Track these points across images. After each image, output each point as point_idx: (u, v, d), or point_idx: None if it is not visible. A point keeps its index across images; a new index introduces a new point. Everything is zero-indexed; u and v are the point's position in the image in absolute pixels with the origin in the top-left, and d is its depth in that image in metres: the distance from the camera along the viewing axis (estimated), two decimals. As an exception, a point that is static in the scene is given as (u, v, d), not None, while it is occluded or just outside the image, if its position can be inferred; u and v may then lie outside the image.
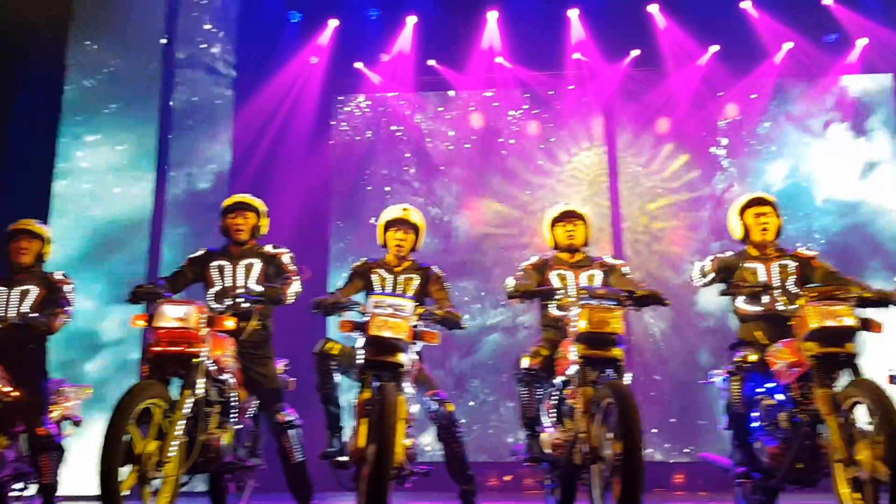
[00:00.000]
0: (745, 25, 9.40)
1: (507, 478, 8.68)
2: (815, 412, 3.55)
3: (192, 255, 4.72)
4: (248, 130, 9.17)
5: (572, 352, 3.82)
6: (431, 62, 9.70)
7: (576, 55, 9.64)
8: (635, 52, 9.60)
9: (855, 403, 3.39)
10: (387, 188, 9.73)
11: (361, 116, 9.96)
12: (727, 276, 4.36)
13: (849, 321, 3.54)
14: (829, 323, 3.54)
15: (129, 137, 8.45)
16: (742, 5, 9.39)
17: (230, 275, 4.59)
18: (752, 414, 4.00)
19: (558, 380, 4.10)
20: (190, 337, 3.76)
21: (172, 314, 3.80)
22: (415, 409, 4.23)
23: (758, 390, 4.01)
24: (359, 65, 9.77)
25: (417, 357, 4.36)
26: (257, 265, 4.61)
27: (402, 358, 3.86)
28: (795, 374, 3.73)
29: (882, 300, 3.86)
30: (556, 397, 4.13)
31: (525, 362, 4.30)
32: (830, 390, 3.49)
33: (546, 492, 4.45)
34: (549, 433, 4.14)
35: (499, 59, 9.66)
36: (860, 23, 9.28)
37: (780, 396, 3.87)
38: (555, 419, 4.15)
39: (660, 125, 9.70)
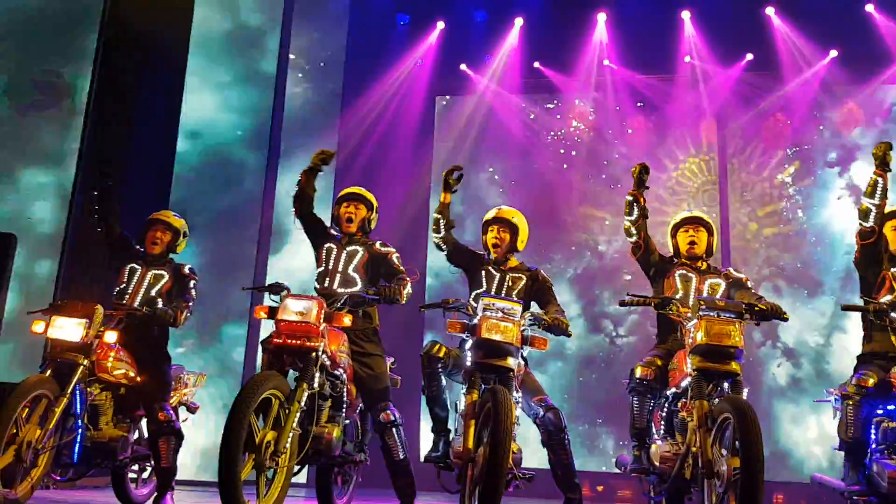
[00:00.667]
0: (868, 30, 8.96)
1: (600, 488, 8.57)
2: None
3: (318, 222, 4.88)
4: (355, 132, 9.33)
5: (688, 364, 3.73)
6: (537, 64, 9.66)
7: (688, 58, 9.42)
8: (749, 56, 9.29)
9: None
10: (488, 191, 9.72)
11: (466, 118, 9.97)
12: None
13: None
14: None
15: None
16: (866, 8, 8.94)
17: (334, 258, 4.70)
18: (871, 436, 3.88)
19: (670, 391, 4.01)
20: (310, 331, 3.85)
21: (295, 308, 3.92)
22: (518, 413, 4.21)
23: (878, 412, 3.88)
24: (464, 66, 9.82)
25: (524, 362, 4.34)
26: (360, 254, 4.70)
27: (511, 362, 3.85)
28: None
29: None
30: (668, 409, 4.04)
31: (638, 372, 4.21)
32: None
33: None
34: (659, 445, 4.05)
35: (606, 62, 9.53)
36: None
37: None
38: (665, 431, 4.06)
39: (773, 131, 9.35)
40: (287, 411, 3.67)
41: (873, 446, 3.87)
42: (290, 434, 3.67)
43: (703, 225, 4.57)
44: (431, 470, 4.28)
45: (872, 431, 3.89)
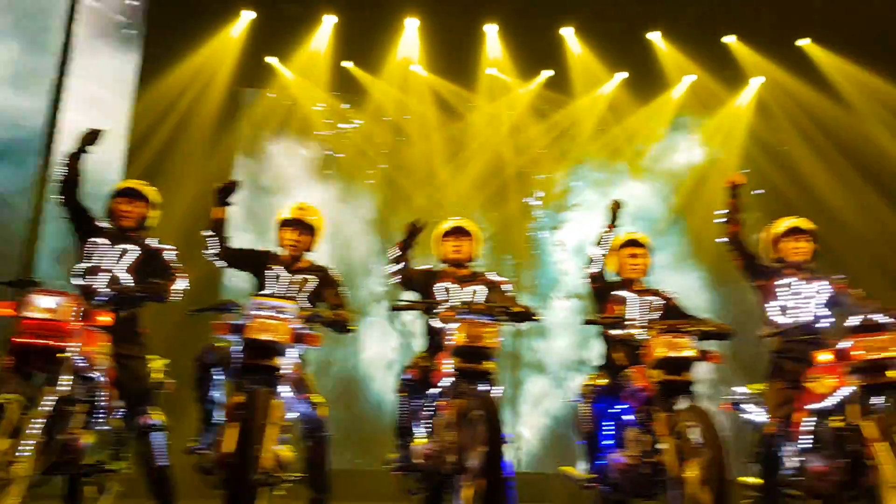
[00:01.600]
0: (651, 55, 9.79)
1: (375, 485, 8.65)
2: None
3: (85, 211, 4.51)
4: (148, 115, 8.82)
5: (447, 364, 3.87)
6: (346, 63, 9.64)
7: (490, 70, 9.78)
8: (548, 73, 9.81)
9: (689, 427, 3.62)
10: (286, 186, 9.52)
11: (269, 112, 9.73)
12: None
13: (688, 353, 3.79)
14: (672, 354, 3.79)
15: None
16: (648, 36, 9.71)
17: (101, 254, 4.43)
18: (604, 432, 4.28)
19: (434, 390, 4.15)
20: (59, 329, 3.60)
21: (42, 304, 3.65)
22: (293, 414, 4.17)
23: (609, 411, 4.30)
24: (271, 59, 9.60)
25: (300, 360, 4.31)
26: (134, 252, 4.47)
27: (279, 361, 3.80)
28: (642, 398, 4.01)
29: (721, 334, 4.13)
30: (431, 408, 4.18)
31: (405, 372, 4.33)
32: (670, 413, 3.73)
33: (413, 500, 4.49)
34: (422, 443, 4.17)
35: (414, 67, 9.68)
36: (757, 62, 9.79)
37: (628, 417, 4.15)
38: (429, 429, 4.19)
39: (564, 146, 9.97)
40: (26, 417, 3.40)
41: (606, 442, 4.29)
42: (30, 442, 3.40)
43: (465, 233, 4.75)
44: (194, 476, 4.14)
45: (604, 427, 4.30)
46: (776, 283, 4.49)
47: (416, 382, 4.29)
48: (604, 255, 4.70)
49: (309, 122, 9.75)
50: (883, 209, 9.25)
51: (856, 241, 9.00)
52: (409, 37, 9.58)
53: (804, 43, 9.69)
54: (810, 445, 3.98)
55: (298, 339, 3.91)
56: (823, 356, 3.89)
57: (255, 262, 4.69)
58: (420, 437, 4.25)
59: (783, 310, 4.44)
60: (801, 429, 4.04)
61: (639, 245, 4.76)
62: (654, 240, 4.96)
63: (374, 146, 9.77)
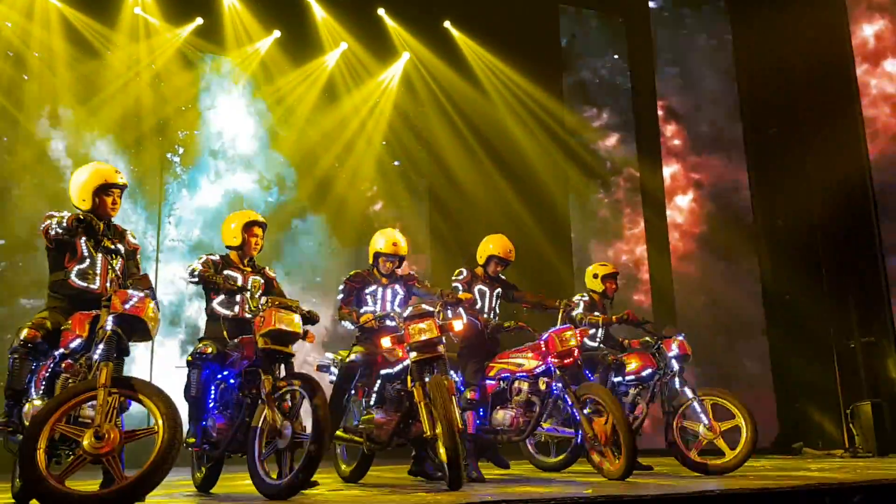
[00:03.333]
0: (308, 16, 9.89)
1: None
2: (256, 394, 4.07)
3: None
4: None
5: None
6: None
7: (137, 9, 9.14)
8: (199, 21, 9.44)
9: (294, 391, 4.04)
10: None
11: None
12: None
13: (292, 328, 4.11)
14: (281, 327, 4.07)
15: None
16: (306, -1, 9.79)
17: None
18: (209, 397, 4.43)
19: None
20: None
21: None
22: None
23: (217, 376, 4.45)
24: None
25: None
26: None
27: None
28: (247, 365, 4.26)
29: (312, 318, 4.46)
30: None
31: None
32: (272, 377, 3.98)
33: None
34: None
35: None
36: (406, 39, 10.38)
37: (233, 381, 4.40)
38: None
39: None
40: None
41: (211, 405, 4.40)
42: None
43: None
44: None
45: (212, 391, 4.43)
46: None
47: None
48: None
49: None
50: (501, 182, 10.39)
51: (475, 207, 10.08)
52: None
53: (447, 24, 10.49)
54: (374, 403, 4.86)
55: None
56: (386, 340, 4.62)
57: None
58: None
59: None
60: (373, 389, 4.89)
61: (258, 225, 4.84)
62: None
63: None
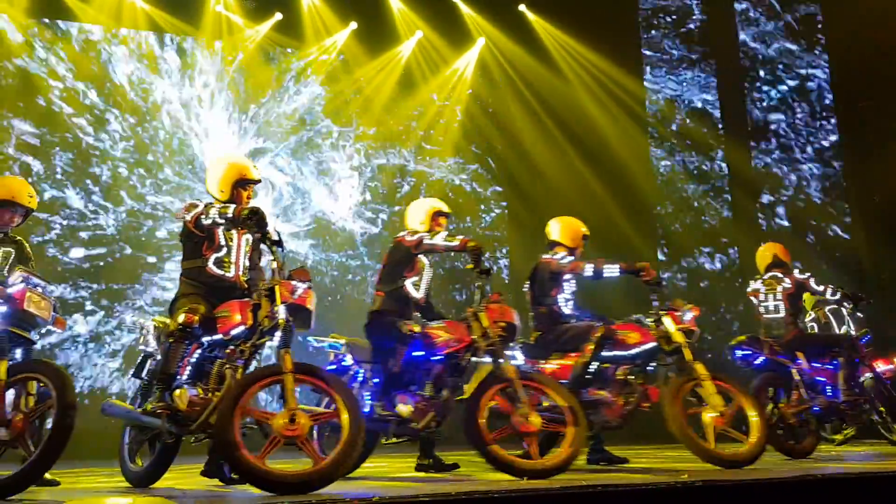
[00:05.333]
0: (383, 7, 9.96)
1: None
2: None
3: None
4: None
5: None
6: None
7: (217, 6, 9.38)
8: (278, 16, 9.62)
9: None
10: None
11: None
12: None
13: None
14: None
15: None
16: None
17: None
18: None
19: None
20: None
21: None
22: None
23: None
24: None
25: None
26: None
27: None
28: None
29: None
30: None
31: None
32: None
33: None
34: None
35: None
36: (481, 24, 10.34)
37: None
38: None
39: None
40: None
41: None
42: None
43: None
44: None
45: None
46: None
47: None
48: None
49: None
50: (581, 166, 10.26)
51: (554, 191, 9.97)
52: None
53: (522, 8, 10.39)
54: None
55: None
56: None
57: None
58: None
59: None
60: None
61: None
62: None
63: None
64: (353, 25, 9.90)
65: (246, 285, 4.02)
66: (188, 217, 3.96)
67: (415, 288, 4.68)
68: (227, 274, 4.02)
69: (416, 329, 4.39)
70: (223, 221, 3.83)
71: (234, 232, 4.04)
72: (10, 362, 3.49)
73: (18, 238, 4.41)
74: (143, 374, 4.14)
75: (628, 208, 10.08)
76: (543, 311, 5.01)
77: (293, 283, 3.68)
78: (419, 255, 4.66)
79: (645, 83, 10.73)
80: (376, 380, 4.51)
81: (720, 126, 10.71)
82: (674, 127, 10.83)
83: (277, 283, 3.61)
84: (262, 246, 3.91)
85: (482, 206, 10.27)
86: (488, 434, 3.80)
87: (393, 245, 4.78)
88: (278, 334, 3.50)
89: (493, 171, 10.58)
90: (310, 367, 3.47)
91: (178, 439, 3.89)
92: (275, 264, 3.68)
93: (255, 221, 3.66)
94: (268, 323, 3.59)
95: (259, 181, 4.21)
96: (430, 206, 4.79)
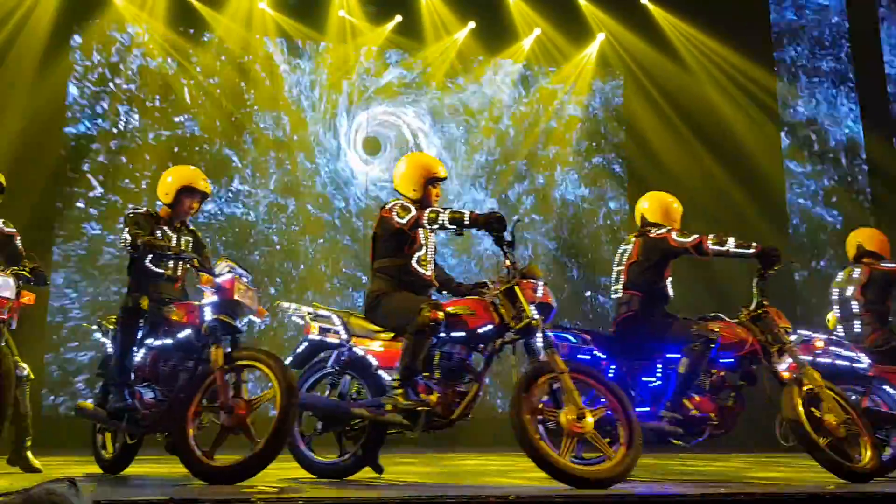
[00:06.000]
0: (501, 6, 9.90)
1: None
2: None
3: None
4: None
5: None
6: (189, -3, 9.16)
7: (341, 12, 9.60)
8: (398, 18, 9.74)
9: None
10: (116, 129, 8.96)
11: (102, 47, 9.07)
12: None
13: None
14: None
15: None
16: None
17: None
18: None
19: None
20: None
21: None
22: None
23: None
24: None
25: None
26: None
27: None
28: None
29: None
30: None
31: None
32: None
33: None
34: None
35: (261, 5, 9.35)
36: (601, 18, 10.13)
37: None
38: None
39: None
40: None
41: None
42: None
43: None
44: None
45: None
46: None
47: None
48: None
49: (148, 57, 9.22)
50: (710, 162, 9.90)
51: (683, 189, 9.61)
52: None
53: (645, 1, 10.10)
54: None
55: None
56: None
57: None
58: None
59: None
60: None
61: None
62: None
63: (216, 84, 9.35)
64: (472, 25, 9.92)
65: (437, 283, 4.24)
66: (404, 220, 3.97)
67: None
68: (426, 272, 4.17)
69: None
70: (454, 227, 3.80)
71: (430, 231, 4.16)
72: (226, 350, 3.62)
73: (193, 227, 4.50)
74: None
75: (759, 201, 9.76)
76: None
77: (532, 281, 3.81)
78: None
79: (775, 75, 10.23)
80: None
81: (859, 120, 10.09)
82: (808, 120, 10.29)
83: (516, 283, 3.73)
84: (496, 246, 3.85)
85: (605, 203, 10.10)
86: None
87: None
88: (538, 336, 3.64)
89: (615, 165, 10.37)
90: (585, 368, 3.69)
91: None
92: (507, 263, 3.78)
93: (499, 226, 3.72)
94: (520, 321, 3.68)
95: (446, 178, 4.31)
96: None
